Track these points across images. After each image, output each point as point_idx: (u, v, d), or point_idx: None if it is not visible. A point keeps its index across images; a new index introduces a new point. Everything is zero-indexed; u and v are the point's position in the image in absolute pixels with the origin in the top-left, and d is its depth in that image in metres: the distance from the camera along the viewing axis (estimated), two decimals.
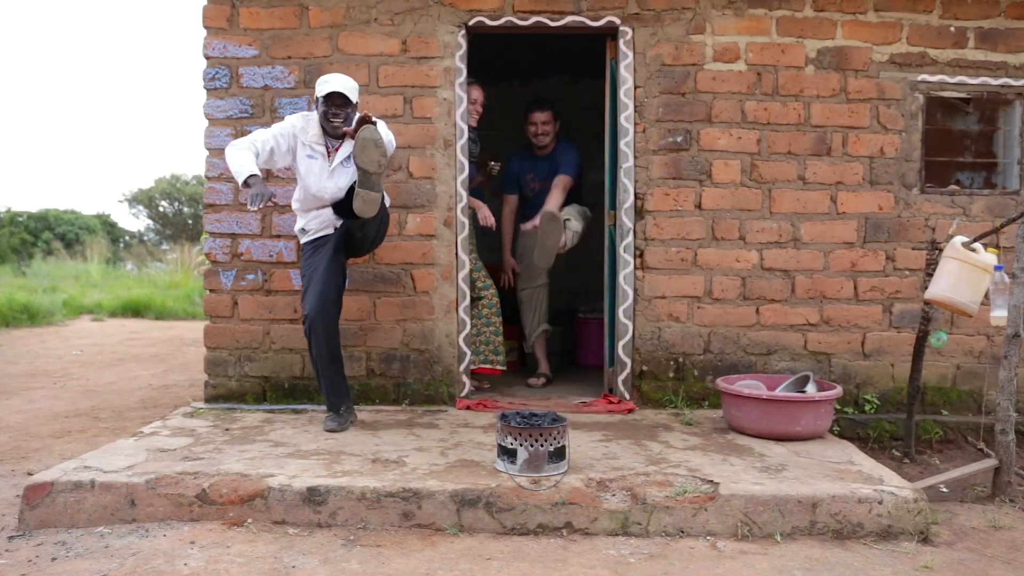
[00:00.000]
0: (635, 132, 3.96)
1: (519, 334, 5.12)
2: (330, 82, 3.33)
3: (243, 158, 3.22)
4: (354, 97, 3.36)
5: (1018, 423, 3.53)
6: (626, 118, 3.94)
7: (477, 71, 4.24)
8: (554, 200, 4.35)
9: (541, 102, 4.52)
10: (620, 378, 4.00)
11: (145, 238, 25.33)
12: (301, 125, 3.43)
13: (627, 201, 3.97)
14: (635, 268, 3.99)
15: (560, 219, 4.15)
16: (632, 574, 2.29)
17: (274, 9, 3.95)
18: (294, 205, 3.60)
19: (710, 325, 4.01)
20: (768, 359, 4.01)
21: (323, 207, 3.47)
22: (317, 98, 3.38)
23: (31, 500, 2.61)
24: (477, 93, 4.19)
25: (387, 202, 3.62)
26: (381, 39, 3.95)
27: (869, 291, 4.01)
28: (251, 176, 3.16)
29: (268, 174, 3.94)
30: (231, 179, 3.98)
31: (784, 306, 4.01)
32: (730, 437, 3.38)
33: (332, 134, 3.39)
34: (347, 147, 3.40)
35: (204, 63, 3.98)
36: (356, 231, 3.41)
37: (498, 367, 4.31)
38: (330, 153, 3.42)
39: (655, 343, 4.01)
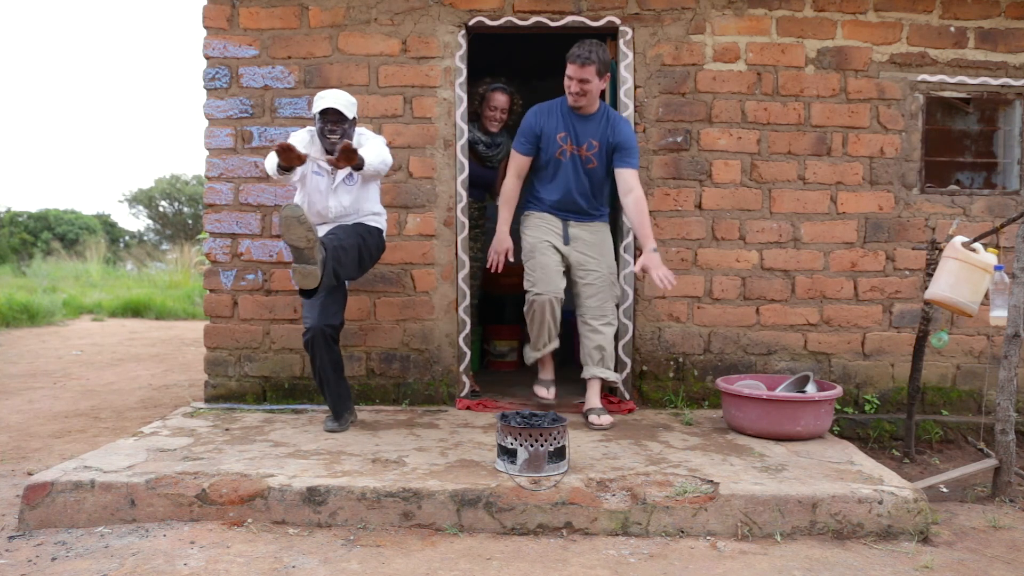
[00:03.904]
0: (635, 132, 3.95)
1: (520, 335, 5.11)
2: (325, 98, 3.30)
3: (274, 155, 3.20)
4: (350, 113, 3.33)
5: (1018, 423, 3.54)
6: (626, 118, 3.94)
7: (477, 71, 4.24)
8: (640, 211, 3.46)
9: (583, 57, 3.41)
10: (620, 378, 4.00)
11: (145, 238, 25.37)
12: (308, 140, 3.41)
13: None
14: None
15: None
16: (632, 574, 2.28)
17: (274, 9, 3.95)
18: None
19: (710, 325, 4.01)
20: (768, 359, 4.01)
21: (323, 223, 3.46)
22: (315, 114, 3.36)
23: (31, 500, 2.61)
24: (501, 99, 4.15)
25: (382, 224, 3.56)
26: (381, 39, 3.95)
27: (869, 291, 4.01)
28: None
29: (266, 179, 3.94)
30: (231, 179, 3.98)
31: (784, 306, 4.01)
32: (730, 437, 3.38)
33: (328, 150, 3.36)
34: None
35: (204, 63, 3.98)
36: (332, 279, 3.21)
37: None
38: (333, 170, 3.40)
39: (655, 343, 4.01)
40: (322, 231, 3.43)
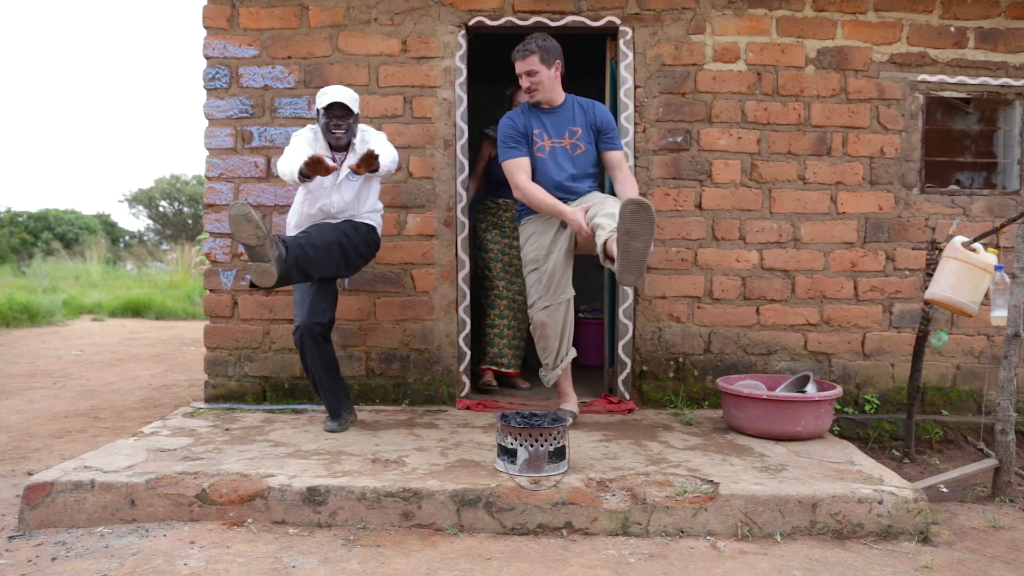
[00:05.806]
0: (635, 132, 3.96)
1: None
2: (329, 93, 3.32)
3: (293, 160, 3.19)
4: (355, 108, 3.36)
5: (1018, 423, 3.54)
6: (626, 118, 3.94)
7: (477, 71, 4.24)
8: (630, 182, 3.46)
9: (521, 51, 3.43)
10: (620, 378, 4.00)
11: (145, 238, 25.39)
12: (311, 138, 3.42)
13: None
14: None
15: (651, 208, 2.82)
16: (632, 574, 2.28)
17: (274, 9, 3.95)
18: (290, 221, 3.55)
19: (710, 325, 4.01)
20: (768, 359, 4.01)
21: (326, 219, 3.45)
22: (318, 110, 3.37)
23: (31, 500, 2.61)
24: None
25: (375, 221, 3.55)
26: (381, 39, 3.95)
27: (869, 291, 4.01)
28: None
29: (269, 175, 3.94)
30: (231, 179, 3.98)
31: (784, 306, 4.01)
32: (730, 437, 3.38)
33: (334, 146, 3.38)
34: (350, 159, 3.39)
35: (204, 63, 3.98)
36: (300, 276, 3.23)
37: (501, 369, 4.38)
38: (340, 165, 3.39)
39: (655, 343, 4.01)
40: None
